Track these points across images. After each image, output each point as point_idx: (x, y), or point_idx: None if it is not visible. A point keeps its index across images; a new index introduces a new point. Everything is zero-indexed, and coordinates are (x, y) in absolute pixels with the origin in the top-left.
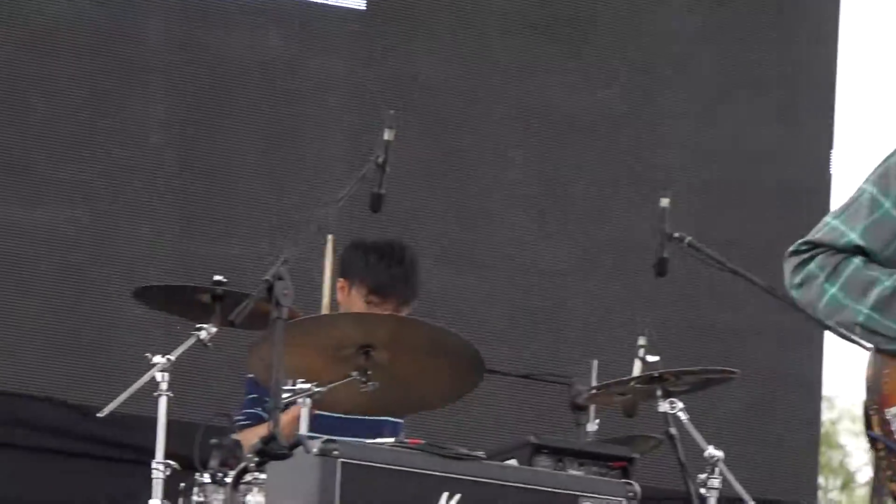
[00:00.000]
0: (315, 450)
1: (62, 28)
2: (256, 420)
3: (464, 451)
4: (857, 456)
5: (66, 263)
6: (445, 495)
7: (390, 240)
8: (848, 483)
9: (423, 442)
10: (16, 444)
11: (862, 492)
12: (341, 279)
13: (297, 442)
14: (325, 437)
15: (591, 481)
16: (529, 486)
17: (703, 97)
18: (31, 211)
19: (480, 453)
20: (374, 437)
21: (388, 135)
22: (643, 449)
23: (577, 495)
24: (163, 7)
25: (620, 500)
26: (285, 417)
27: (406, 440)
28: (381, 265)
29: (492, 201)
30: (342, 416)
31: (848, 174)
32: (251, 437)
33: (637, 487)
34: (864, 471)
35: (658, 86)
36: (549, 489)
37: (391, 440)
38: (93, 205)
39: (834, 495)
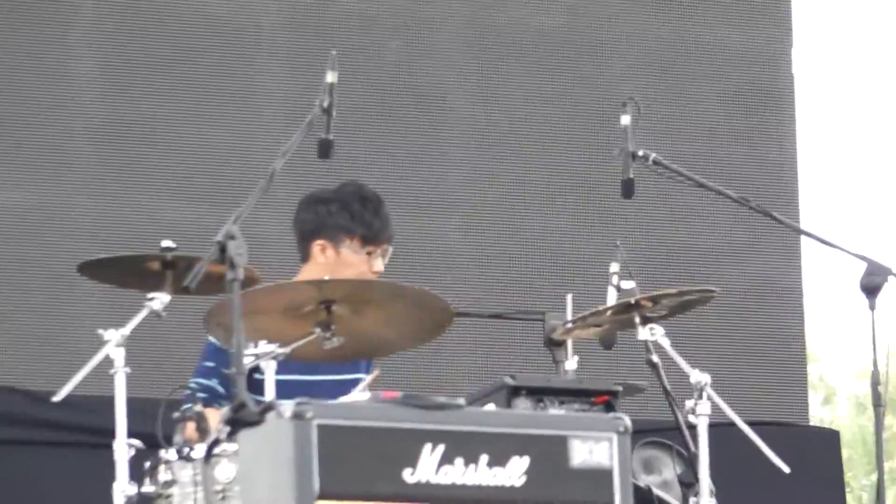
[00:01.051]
0: (288, 413)
1: None
2: (209, 393)
3: (442, 399)
4: (837, 370)
5: (7, 244)
6: (428, 447)
7: (353, 185)
8: (830, 398)
9: (399, 394)
10: None
11: (845, 407)
12: (318, 240)
13: (269, 406)
14: (297, 399)
15: (577, 419)
16: (514, 431)
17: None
18: None
19: (460, 401)
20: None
21: (331, 77)
22: (628, 394)
23: (565, 435)
24: None
25: (610, 436)
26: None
27: (381, 394)
28: (367, 212)
29: (442, 137)
30: (309, 378)
31: (806, 70)
32: (210, 419)
33: (627, 420)
34: (845, 385)
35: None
36: (535, 431)
37: (365, 395)
38: (26, 180)
39: (815, 411)
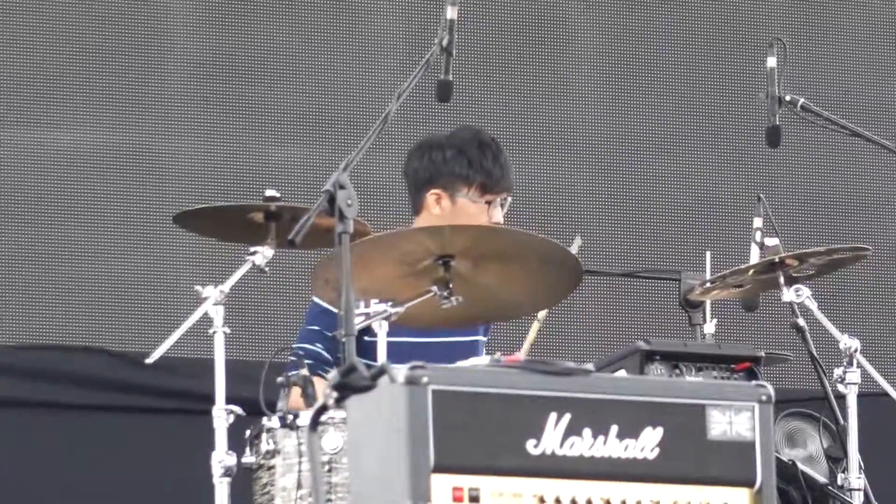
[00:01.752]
0: (401, 378)
1: None
2: (315, 359)
3: (569, 365)
4: None
5: (95, 193)
6: (553, 416)
7: (471, 130)
8: None
9: (521, 359)
10: (58, 402)
11: None
12: (433, 189)
13: (381, 371)
14: (411, 363)
15: (716, 387)
16: (647, 399)
17: None
18: (53, 134)
19: (588, 366)
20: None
21: (451, 13)
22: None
23: (703, 404)
24: None
25: (752, 405)
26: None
27: (503, 358)
28: (485, 158)
29: (570, 81)
30: (425, 340)
31: None
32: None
33: (770, 389)
34: None
35: None
36: (670, 399)
37: (485, 359)
38: (116, 122)
39: None
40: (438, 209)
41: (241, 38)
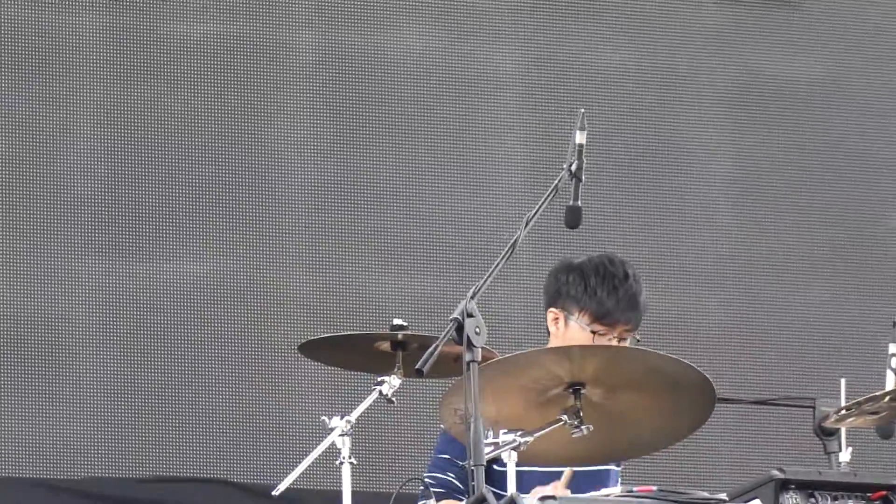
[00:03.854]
0: None
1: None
2: (446, 488)
3: (703, 494)
4: None
5: (222, 323)
6: None
7: (608, 256)
8: None
9: (654, 489)
10: None
11: None
12: (554, 309)
13: (510, 501)
14: (542, 493)
15: None
16: None
17: None
18: (181, 264)
19: (722, 496)
20: (595, 489)
21: (580, 137)
22: None
23: None
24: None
25: None
26: None
27: (634, 488)
28: (604, 287)
29: (699, 204)
30: (553, 469)
31: None
32: None
33: None
34: None
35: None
36: None
37: (617, 490)
38: (243, 251)
39: None
40: (554, 328)
41: (366, 164)
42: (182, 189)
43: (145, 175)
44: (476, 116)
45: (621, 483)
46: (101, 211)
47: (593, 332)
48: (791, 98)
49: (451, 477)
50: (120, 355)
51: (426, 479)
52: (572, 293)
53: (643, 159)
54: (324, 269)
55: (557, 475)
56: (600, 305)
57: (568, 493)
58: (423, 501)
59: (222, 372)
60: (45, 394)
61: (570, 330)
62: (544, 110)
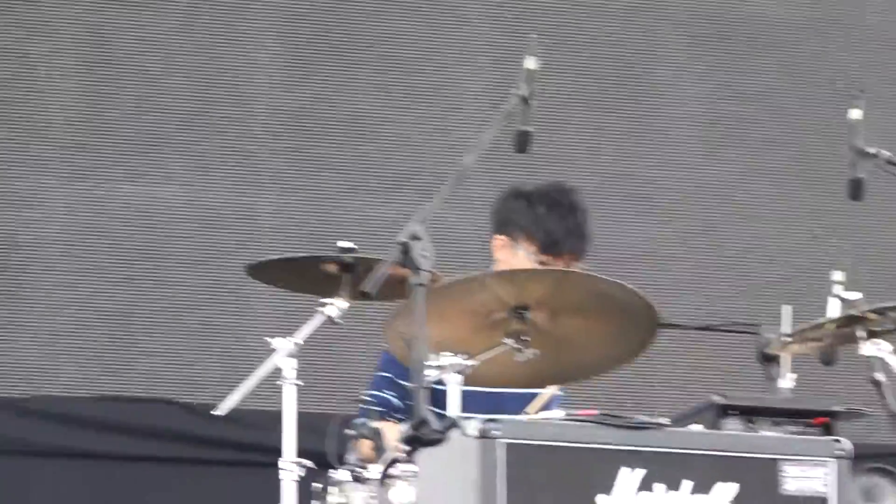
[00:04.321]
0: (473, 431)
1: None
2: (385, 407)
3: (644, 418)
4: None
5: (169, 245)
6: (626, 471)
7: (556, 185)
8: None
9: (596, 413)
10: (126, 454)
11: None
12: (500, 236)
13: (452, 423)
14: (484, 416)
15: (792, 442)
16: (721, 454)
17: None
18: (129, 187)
19: (663, 420)
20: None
21: (530, 63)
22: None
23: (777, 459)
24: None
25: (827, 461)
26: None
27: (576, 412)
28: (552, 216)
29: (655, 130)
30: (496, 391)
31: None
32: (386, 434)
33: (847, 444)
34: None
35: None
36: (745, 454)
37: (559, 413)
38: (192, 175)
39: None
40: (501, 255)
41: (319, 91)
42: (134, 112)
43: (101, 98)
44: (431, 42)
45: (564, 407)
46: (56, 133)
47: (540, 262)
48: (760, 34)
49: (389, 395)
50: (69, 276)
51: (365, 398)
52: (520, 222)
53: (606, 89)
54: (273, 192)
55: (500, 396)
56: (548, 235)
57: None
58: (363, 421)
59: (169, 293)
60: None
61: (516, 257)
62: (502, 38)
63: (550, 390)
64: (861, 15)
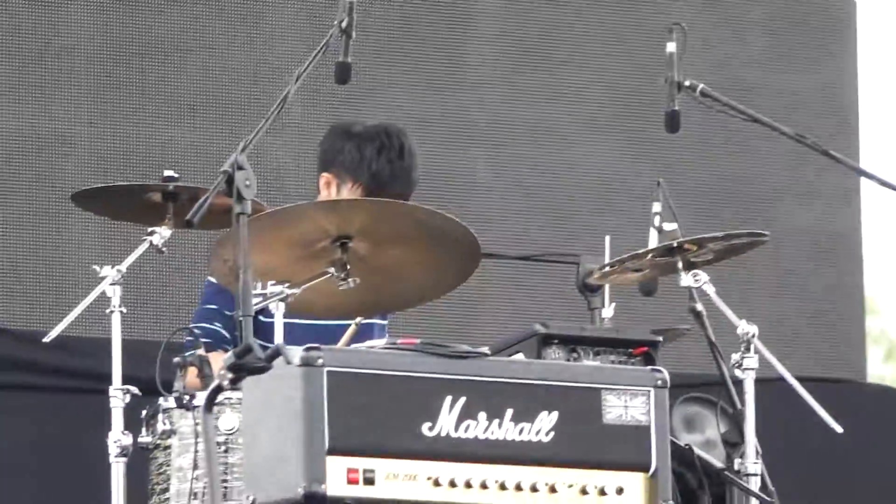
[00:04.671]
0: (296, 359)
1: None
2: (213, 338)
3: (465, 348)
4: None
5: None
6: (449, 399)
7: (385, 127)
8: (893, 354)
9: (418, 342)
10: None
11: None
12: (326, 173)
13: (276, 352)
14: (307, 344)
15: (612, 371)
16: (543, 383)
17: None
18: None
19: (484, 349)
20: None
21: None
22: (669, 339)
23: (598, 388)
24: None
25: (647, 390)
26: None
27: (398, 341)
28: (379, 160)
29: (469, 61)
30: (320, 322)
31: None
32: (214, 364)
33: (665, 374)
34: None
35: None
36: (566, 383)
37: (381, 342)
38: (13, 102)
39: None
40: (327, 193)
41: (139, 17)
42: None
43: None
44: None
45: (387, 336)
46: None
47: None
48: None
49: (217, 327)
50: None
51: (194, 329)
52: (346, 162)
53: (412, 18)
54: (97, 119)
55: (325, 328)
56: (374, 178)
57: None
58: (191, 351)
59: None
60: None
61: (340, 196)
62: None
63: (356, 322)
64: None
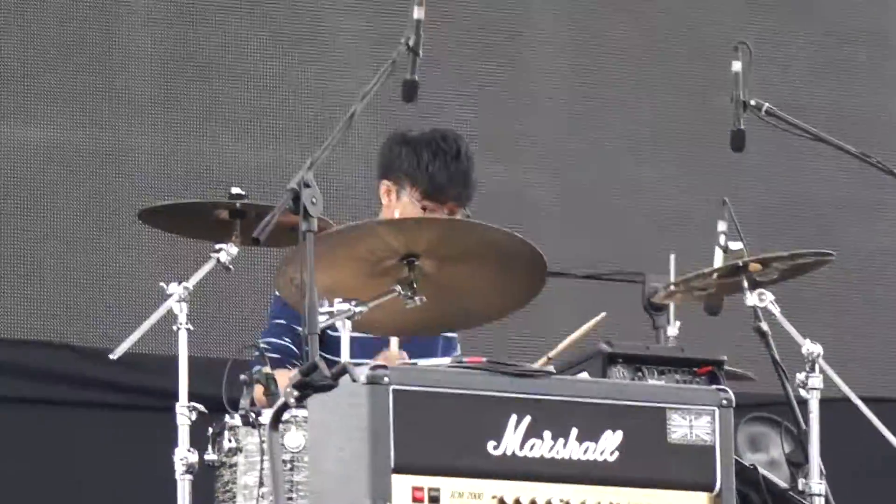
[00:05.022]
0: (363, 377)
1: None
2: (281, 353)
3: (530, 366)
4: None
5: (60, 187)
6: (514, 418)
7: (441, 132)
8: None
9: (483, 360)
10: (20, 397)
11: None
12: (385, 181)
13: (342, 370)
14: (373, 362)
15: (677, 390)
16: (608, 402)
17: None
18: (18, 129)
19: (549, 368)
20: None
21: (418, 13)
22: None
23: (663, 407)
24: None
25: (712, 409)
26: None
27: (464, 359)
28: (436, 163)
29: (533, 79)
30: (386, 339)
31: None
32: (281, 380)
33: (730, 393)
34: None
35: None
36: (631, 402)
37: (447, 360)
38: (83, 118)
39: None
40: (387, 200)
41: (208, 34)
42: (18, 52)
43: None
44: None
45: (457, 347)
46: None
47: (423, 208)
48: None
49: (286, 342)
50: None
51: (261, 344)
52: (404, 167)
53: (479, 36)
54: (164, 136)
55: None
56: (432, 181)
57: (404, 355)
58: (257, 367)
59: (64, 236)
60: None
61: (401, 203)
62: None
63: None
64: None
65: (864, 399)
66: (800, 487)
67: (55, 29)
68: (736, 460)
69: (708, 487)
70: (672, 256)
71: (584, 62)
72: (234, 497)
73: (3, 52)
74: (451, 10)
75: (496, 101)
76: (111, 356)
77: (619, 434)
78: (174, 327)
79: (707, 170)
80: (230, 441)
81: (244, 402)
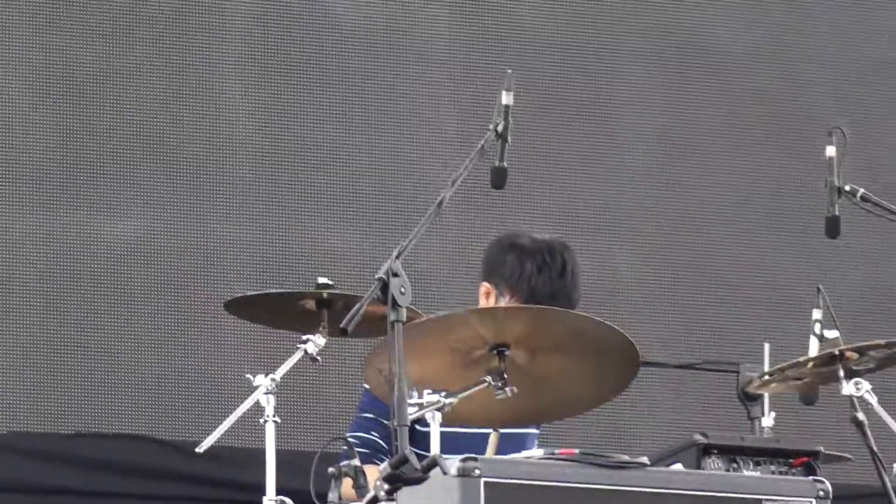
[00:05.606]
0: (453, 470)
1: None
2: (369, 448)
3: (624, 458)
4: None
5: (147, 279)
6: None
7: (549, 244)
8: None
9: (576, 452)
10: (107, 491)
11: None
12: (486, 283)
13: (433, 462)
14: (464, 454)
15: (773, 482)
16: (704, 493)
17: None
18: (104, 219)
19: (643, 459)
20: (517, 452)
21: (506, 98)
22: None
23: (759, 499)
24: None
25: (810, 501)
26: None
27: (557, 451)
28: (540, 277)
29: (624, 165)
30: (477, 431)
31: None
32: (369, 476)
33: (827, 485)
34: None
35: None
36: (726, 494)
37: (539, 452)
38: (167, 207)
39: None
40: (483, 302)
41: (292, 122)
42: (109, 143)
43: (74, 128)
44: (407, 75)
45: (542, 445)
46: (30, 163)
47: None
48: (723, 58)
49: (374, 436)
50: (47, 309)
51: (350, 439)
52: (506, 275)
53: (572, 119)
54: (250, 226)
55: (482, 436)
56: (532, 294)
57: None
58: (346, 461)
59: (148, 328)
60: None
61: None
62: (474, 70)
63: (495, 432)
64: (828, 48)
65: None
66: None
67: (143, 119)
68: None
69: None
70: (766, 346)
71: (678, 146)
72: None
73: (94, 145)
74: (537, 93)
75: (585, 185)
76: (197, 449)
77: None
78: (261, 420)
79: (802, 256)
80: None
81: (332, 496)
